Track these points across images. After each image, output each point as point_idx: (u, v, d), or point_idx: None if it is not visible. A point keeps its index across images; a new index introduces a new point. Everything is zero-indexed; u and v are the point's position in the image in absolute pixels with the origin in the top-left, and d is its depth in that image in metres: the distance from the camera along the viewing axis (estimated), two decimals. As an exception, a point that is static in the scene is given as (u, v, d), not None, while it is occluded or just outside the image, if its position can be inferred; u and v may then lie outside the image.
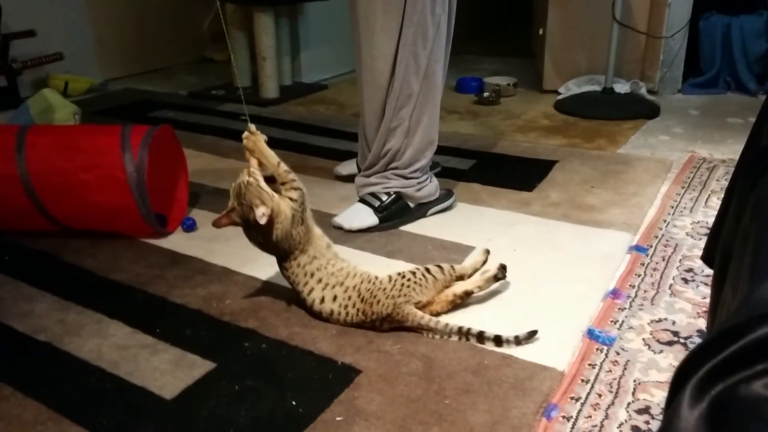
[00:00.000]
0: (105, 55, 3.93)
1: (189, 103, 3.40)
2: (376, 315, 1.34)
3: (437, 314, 1.39)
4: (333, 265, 1.39)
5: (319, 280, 1.37)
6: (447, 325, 1.33)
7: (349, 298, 1.35)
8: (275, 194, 1.36)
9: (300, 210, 1.36)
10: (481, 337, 1.30)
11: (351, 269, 1.40)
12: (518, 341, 1.29)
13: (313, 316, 1.41)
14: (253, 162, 1.40)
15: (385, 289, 1.35)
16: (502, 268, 1.47)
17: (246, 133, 1.40)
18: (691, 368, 0.50)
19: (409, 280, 1.36)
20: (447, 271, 1.42)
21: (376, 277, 1.39)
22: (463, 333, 1.31)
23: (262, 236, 1.36)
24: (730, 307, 0.66)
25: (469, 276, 1.46)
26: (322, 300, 1.36)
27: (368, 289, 1.35)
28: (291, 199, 1.37)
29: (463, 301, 1.42)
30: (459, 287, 1.42)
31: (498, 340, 1.29)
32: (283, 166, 1.39)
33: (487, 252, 1.51)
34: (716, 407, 0.47)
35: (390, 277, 1.38)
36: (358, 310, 1.34)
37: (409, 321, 1.33)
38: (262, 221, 1.29)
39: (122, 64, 4.05)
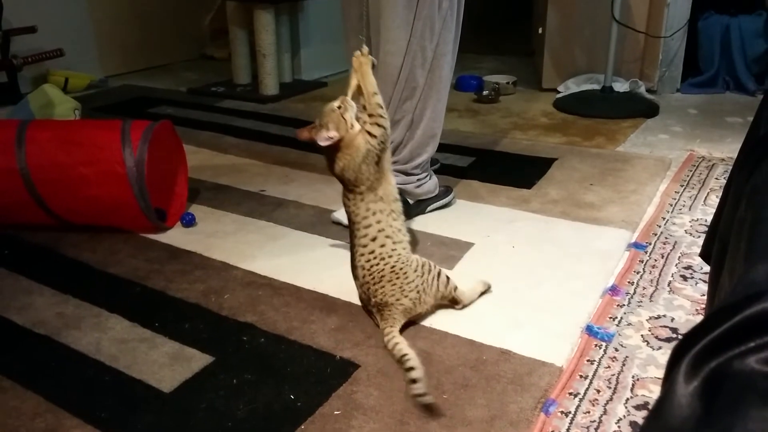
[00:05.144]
0: (105, 51, 3.93)
1: (188, 100, 3.40)
2: (379, 293, 1.33)
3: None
4: (394, 219, 1.38)
5: (378, 221, 1.35)
6: (405, 355, 1.21)
7: (390, 256, 1.34)
8: (357, 126, 1.35)
9: (378, 149, 1.35)
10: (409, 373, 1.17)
11: (406, 238, 1.39)
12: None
13: (351, 252, 1.38)
14: (352, 87, 1.40)
15: (408, 275, 1.34)
16: (488, 287, 1.49)
17: (357, 52, 1.41)
18: (687, 345, 0.51)
19: (421, 284, 1.35)
20: (449, 289, 1.40)
21: (408, 258, 1.37)
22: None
23: (328, 160, 1.39)
24: (726, 291, 0.66)
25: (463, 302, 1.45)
26: (374, 239, 1.35)
27: (401, 268, 1.34)
28: (371, 134, 1.35)
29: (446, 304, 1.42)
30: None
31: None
32: (378, 99, 1.38)
33: (488, 285, 1.50)
34: (710, 381, 0.47)
35: (415, 267, 1.36)
36: (381, 271, 1.33)
37: (381, 325, 1.32)
38: (321, 142, 1.32)
39: (122, 61, 4.05)
